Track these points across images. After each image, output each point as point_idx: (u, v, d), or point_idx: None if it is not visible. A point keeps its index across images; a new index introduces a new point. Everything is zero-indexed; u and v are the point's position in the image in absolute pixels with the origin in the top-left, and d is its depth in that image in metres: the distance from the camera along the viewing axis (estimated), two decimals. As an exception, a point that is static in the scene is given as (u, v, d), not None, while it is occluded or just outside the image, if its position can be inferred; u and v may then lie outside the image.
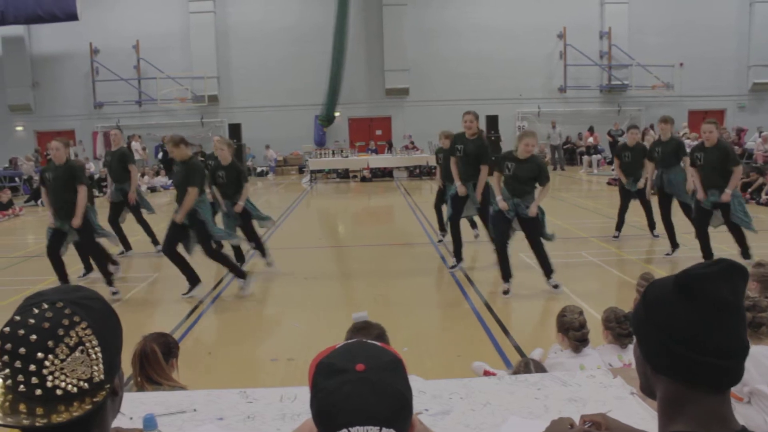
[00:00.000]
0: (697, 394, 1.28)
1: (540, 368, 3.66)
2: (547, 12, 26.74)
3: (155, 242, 10.31)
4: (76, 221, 7.59)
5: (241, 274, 7.93)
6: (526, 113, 27.05)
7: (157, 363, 3.42)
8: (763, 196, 14.30)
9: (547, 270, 7.52)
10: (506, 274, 7.56)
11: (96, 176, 20.50)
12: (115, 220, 10.08)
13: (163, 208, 10.65)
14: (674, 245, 9.21)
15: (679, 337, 1.26)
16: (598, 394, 2.52)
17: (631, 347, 3.85)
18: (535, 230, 7.43)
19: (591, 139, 25.88)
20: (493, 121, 23.90)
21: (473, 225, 10.70)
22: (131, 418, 2.38)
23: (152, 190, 21.64)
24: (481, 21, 26.70)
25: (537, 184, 7.43)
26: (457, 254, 8.88)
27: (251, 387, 2.73)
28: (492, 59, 26.68)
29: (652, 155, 9.59)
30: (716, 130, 7.92)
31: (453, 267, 8.84)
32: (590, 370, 2.91)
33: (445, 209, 9.81)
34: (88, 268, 8.85)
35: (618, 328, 3.93)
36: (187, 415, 2.44)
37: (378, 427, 1.22)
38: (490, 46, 26.68)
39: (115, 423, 2.24)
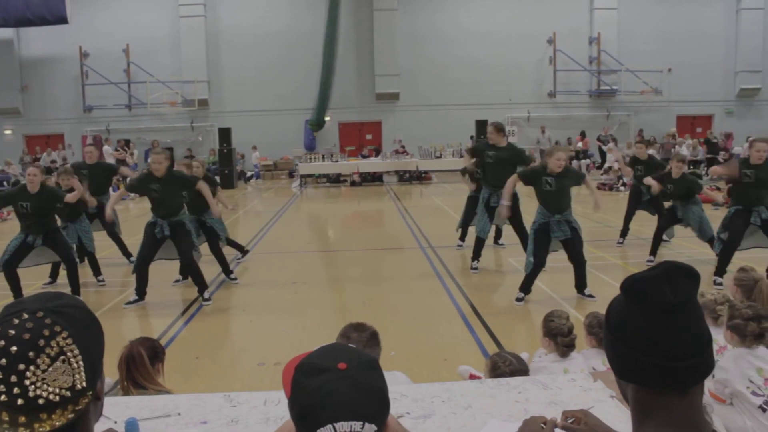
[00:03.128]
0: (663, 398, 1.29)
1: (516, 357, 3.73)
2: (538, 17, 26.89)
3: (127, 255, 10.12)
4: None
5: (203, 289, 7.88)
6: (516, 118, 27.18)
7: (143, 367, 3.44)
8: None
9: (584, 284, 7.51)
10: (528, 289, 7.49)
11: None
12: (112, 231, 10.00)
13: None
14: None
15: (633, 342, 1.28)
16: (578, 397, 2.56)
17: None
18: (580, 245, 7.43)
19: (580, 144, 26.00)
20: (482, 125, 23.97)
21: (498, 236, 10.75)
22: (116, 422, 2.39)
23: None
24: (472, 26, 26.82)
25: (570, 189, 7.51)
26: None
27: (238, 391, 2.75)
28: (482, 64, 26.80)
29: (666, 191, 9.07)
30: None
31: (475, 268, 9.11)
32: (572, 374, 2.95)
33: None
34: (97, 272, 9.05)
35: (601, 333, 3.97)
36: (171, 419, 2.46)
37: (361, 423, 1.25)
38: (480, 51, 26.80)
39: (101, 427, 2.26)
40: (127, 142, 25.24)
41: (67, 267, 8.00)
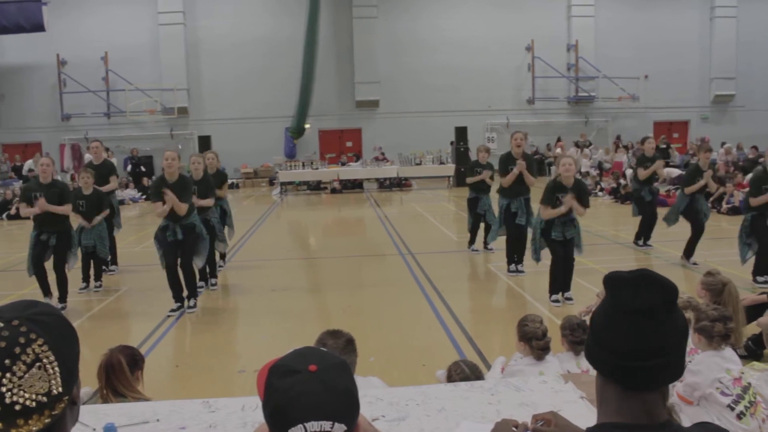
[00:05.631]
0: (613, 389, 1.38)
1: (471, 366, 3.83)
2: (516, 25, 27.16)
3: (113, 261, 10.31)
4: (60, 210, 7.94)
5: (192, 296, 7.94)
6: (495, 124, 27.37)
7: (123, 374, 3.46)
8: (724, 206, 14.64)
9: (568, 286, 7.64)
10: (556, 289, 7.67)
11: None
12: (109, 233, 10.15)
13: (132, 221, 10.66)
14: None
15: (597, 332, 1.39)
16: (549, 398, 2.62)
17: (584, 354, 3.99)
18: (572, 249, 7.59)
19: (559, 150, 26.22)
20: (462, 132, 24.17)
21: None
22: (94, 430, 2.42)
23: (120, 202, 21.42)
24: (451, 34, 27.00)
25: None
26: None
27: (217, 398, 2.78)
28: (461, 71, 26.98)
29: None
30: None
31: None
32: (544, 376, 3.01)
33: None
34: (98, 277, 9.21)
35: (571, 335, 4.06)
36: (150, 425, 2.49)
37: (331, 422, 1.29)
38: (460, 58, 26.98)
39: (78, 433, 2.29)
40: (106, 150, 25.03)
41: (57, 274, 8.09)
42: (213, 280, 9.04)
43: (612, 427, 1.37)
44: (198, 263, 8.17)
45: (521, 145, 9.20)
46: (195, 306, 7.86)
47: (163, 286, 8.14)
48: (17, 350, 1.16)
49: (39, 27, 23.83)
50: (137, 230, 11.20)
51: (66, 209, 8.02)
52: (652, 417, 1.35)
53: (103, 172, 10.09)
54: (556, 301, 7.53)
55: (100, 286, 9.17)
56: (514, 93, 27.93)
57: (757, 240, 8.14)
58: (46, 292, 8.03)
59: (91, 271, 9.15)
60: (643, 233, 10.81)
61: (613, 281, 1.38)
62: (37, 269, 7.97)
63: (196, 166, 8.84)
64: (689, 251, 9.42)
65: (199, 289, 8.46)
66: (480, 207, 10.55)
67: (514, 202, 9.13)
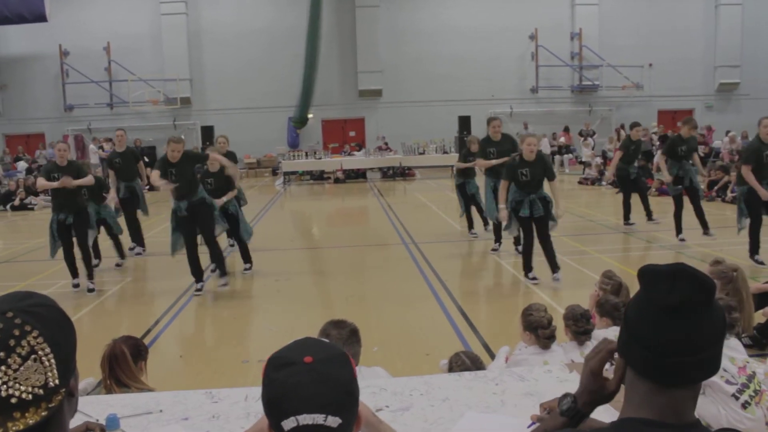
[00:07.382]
0: (643, 382, 1.34)
1: (472, 358, 3.82)
2: (519, 13, 27.02)
3: (140, 244, 10.70)
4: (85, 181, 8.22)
5: (224, 271, 8.20)
6: (498, 114, 27.14)
7: (126, 365, 3.46)
8: (729, 194, 14.59)
9: (554, 265, 7.80)
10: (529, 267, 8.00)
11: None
12: (133, 217, 10.53)
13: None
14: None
15: (631, 330, 1.35)
16: (554, 388, 2.60)
17: (588, 344, 3.98)
18: (546, 226, 7.77)
19: (563, 139, 26.16)
20: (465, 121, 24.12)
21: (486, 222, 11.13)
22: (97, 420, 2.41)
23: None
24: (454, 22, 26.89)
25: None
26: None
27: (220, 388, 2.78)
28: (464, 60, 26.88)
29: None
30: None
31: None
32: (548, 366, 3.00)
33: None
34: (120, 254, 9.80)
35: (574, 326, 4.04)
36: (153, 416, 2.49)
37: (324, 415, 1.27)
38: (463, 47, 26.87)
39: (80, 423, 2.28)
40: (109, 141, 25.02)
41: (82, 252, 8.29)
42: (247, 265, 9.27)
43: (636, 422, 1.34)
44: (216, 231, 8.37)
45: (498, 132, 9.64)
46: (227, 284, 8.11)
47: (166, 276, 8.17)
48: (12, 343, 1.14)
49: (41, 17, 23.74)
50: (141, 218, 11.18)
51: (88, 180, 8.26)
52: (679, 416, 1.32)
53: (129, 160, 10.47)
54: (534, 278, 7.86)
55: (120, 264, 9.68)
56: (517, 82, 27.82)
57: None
58: (74, 273, 8.32)
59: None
60: (626, 210, 11.22)
61: (648, 275, 1.34)
62: (66, 253, 8.20)
63: (211, 160, 8.94)
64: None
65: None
66: (468, 189, 10.85)
67: (499, 183, 9.33)
